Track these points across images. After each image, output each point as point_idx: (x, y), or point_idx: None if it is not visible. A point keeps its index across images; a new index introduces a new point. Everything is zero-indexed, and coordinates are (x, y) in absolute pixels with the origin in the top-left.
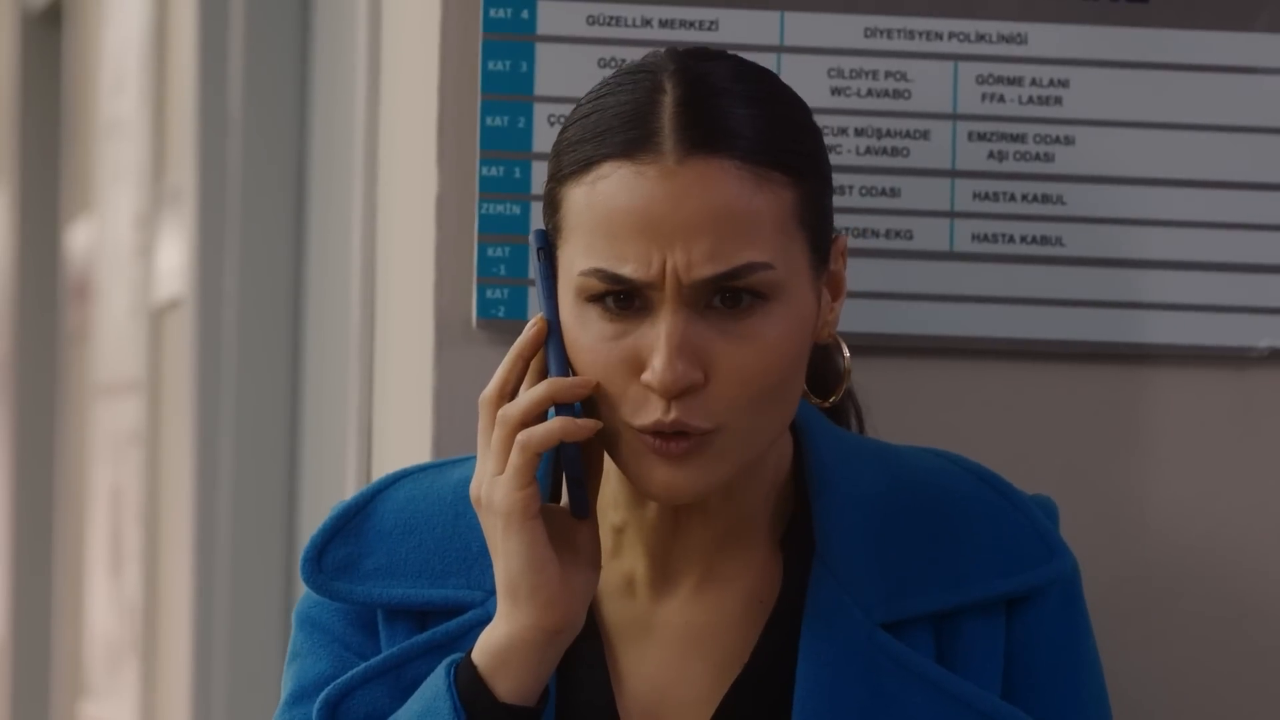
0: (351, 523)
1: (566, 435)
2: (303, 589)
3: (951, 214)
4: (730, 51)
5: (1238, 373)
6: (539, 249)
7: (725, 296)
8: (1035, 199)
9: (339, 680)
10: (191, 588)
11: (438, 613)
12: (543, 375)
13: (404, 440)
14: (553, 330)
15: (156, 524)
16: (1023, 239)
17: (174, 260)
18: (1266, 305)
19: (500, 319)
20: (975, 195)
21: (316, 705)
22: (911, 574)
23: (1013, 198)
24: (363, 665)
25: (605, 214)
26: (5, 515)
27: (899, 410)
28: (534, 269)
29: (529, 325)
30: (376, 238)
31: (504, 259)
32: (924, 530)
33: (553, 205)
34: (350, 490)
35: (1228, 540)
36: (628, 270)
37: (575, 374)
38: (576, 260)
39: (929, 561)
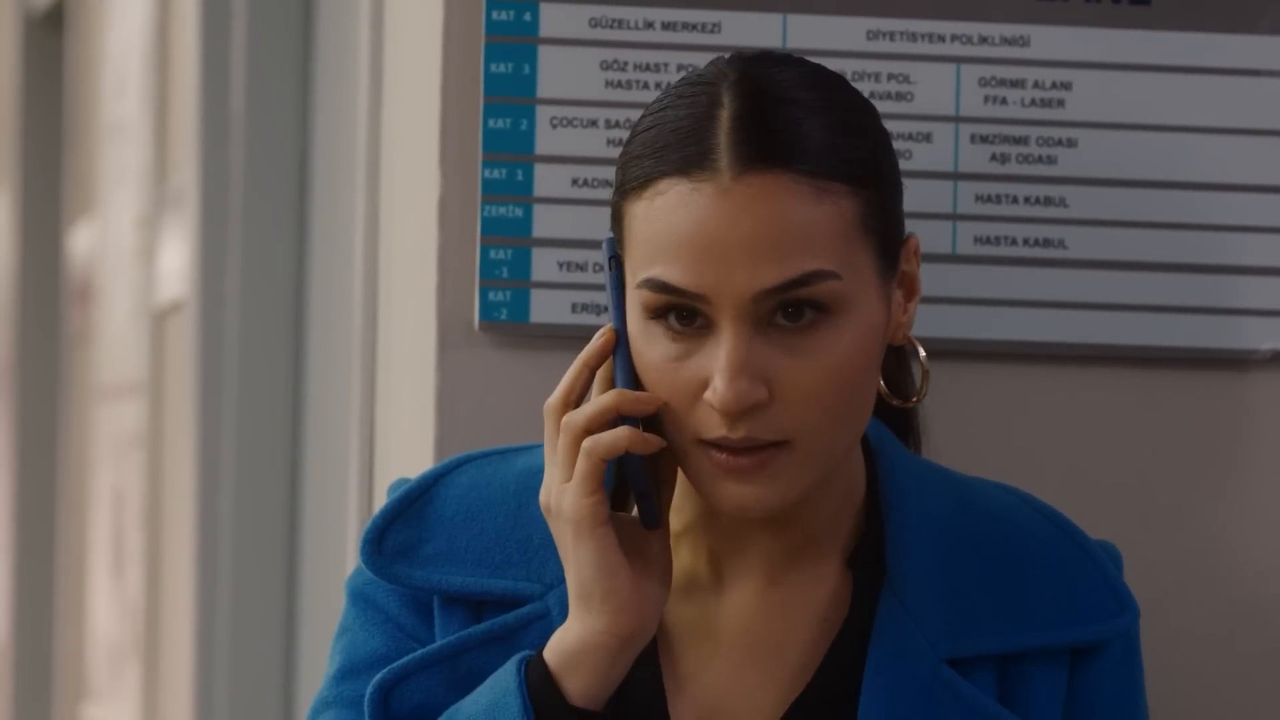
0: (414, 506)
1: (633, 446)
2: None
3: (954, 216)
4: (796, 56)
5: (1240, 376)
6: (610, 258)
7: (788, 312)
8: (1038, 201)
9: (393, 666)
10: (193, 590)
11: (495, 603)
12: (609, 385)
13: (407, 443)
14: (620, 341)
15: (158, 526)
16: (1025, 241)
17: (176, 262)
18: (1269, 308)
19: (502, 321)
20: (978, 198)
21: (370, 690)
22: (980, 611)
23: (1015, 200)
24: (419, 653)
25: (662, 230)
26: (7, 517)
27: None
28: (605, 279)
29: (598, 335)
30: (379, 240)
31: (506, 261)
32: (994, 567)
33: (617, 218)
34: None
35: (1228, 544)
36: (680, 280)
37: (642, 387)
38: (636, 272)
39: (998, 600)
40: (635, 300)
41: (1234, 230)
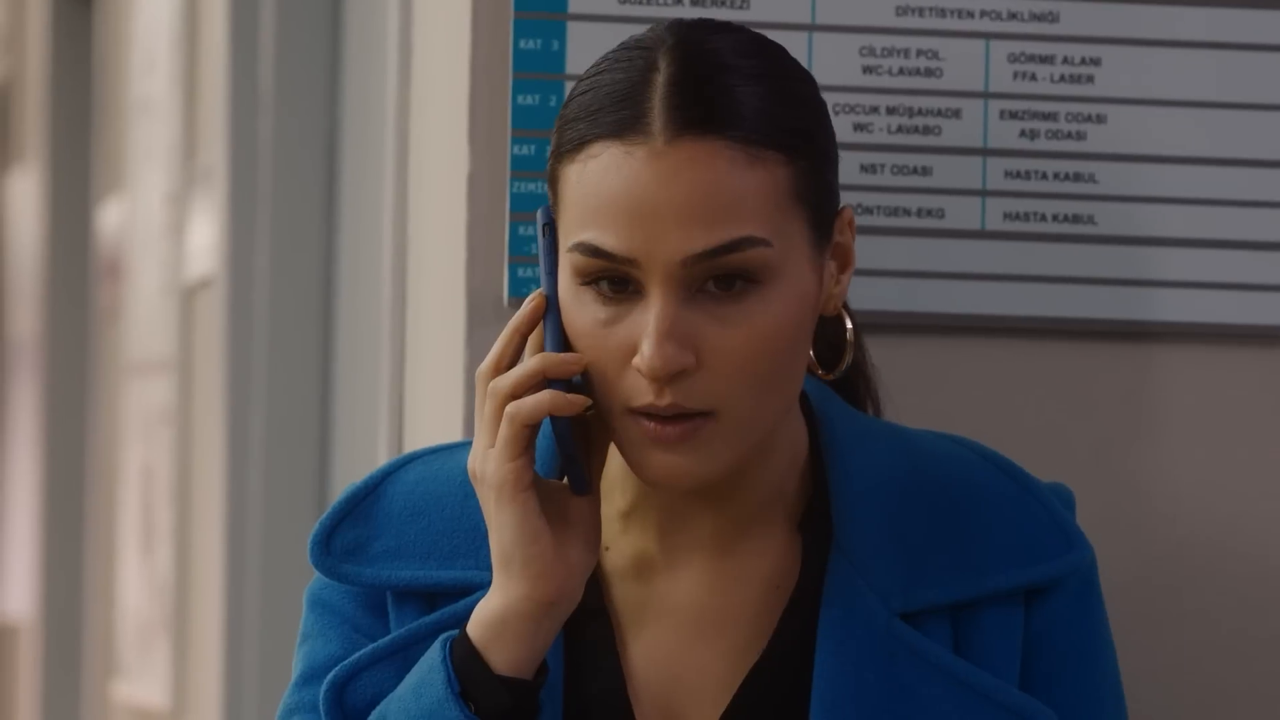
0: (360, 506)
1: (555, 409)
2: None
3: (983, 193)
4: (736, 24)
5: (1269, 351)
6: (543, 225)
7: (718, 280)
8: (1067, 177)
9: (346, 661)
10: (222, 566)
11: (446, 594)
12: (540, 350)
13: (435, 419)
14: (551, 306)
15: (188, 503)
16: (1054, 217)
17: (205, 239)
18: None
19: None
20: (1007, 174)
21: (324, 688)
22: (930, 564)
23: (1044, 176)
24: (370, 647)
25: (594, 193)
26: (37, 494)
27: (929, 389)
28: (539, 245)
29: (528, 300)
30: (408, 216)
31: (535, 238)
32: (942, 519)
33: (552, 182)
34: None
35: (1259, 520)
36: (610, 244)
37: (571, 351)
38: (569, 237)
39: (948, 551)
40: (567, 265)
41: (1264, 206)
